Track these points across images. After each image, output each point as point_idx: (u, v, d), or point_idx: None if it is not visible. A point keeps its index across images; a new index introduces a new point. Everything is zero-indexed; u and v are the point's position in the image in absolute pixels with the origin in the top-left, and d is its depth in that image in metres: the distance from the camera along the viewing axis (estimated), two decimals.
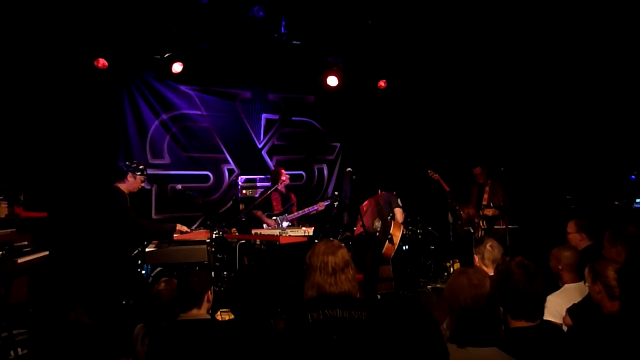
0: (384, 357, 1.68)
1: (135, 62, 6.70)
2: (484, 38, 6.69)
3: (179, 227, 5.11)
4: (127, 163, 5.08)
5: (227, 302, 3.84)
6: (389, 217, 5.86)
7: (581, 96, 6.64)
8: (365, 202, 5.96)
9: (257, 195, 6.83)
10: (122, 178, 4.98)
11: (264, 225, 6.13)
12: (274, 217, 6.20)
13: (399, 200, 6.04)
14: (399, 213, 5.98)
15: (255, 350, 2.28)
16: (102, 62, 5.87)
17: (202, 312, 2.66)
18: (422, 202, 7.84)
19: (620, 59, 6.11)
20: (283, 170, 6.50)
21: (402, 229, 6.02)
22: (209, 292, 2.71)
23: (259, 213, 6.24)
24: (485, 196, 6.07)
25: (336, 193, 6.48)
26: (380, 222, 5.81)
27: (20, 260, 4.01)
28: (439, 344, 1.61)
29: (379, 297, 6.27)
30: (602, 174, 6.32)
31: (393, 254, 5.94)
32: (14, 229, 4.33)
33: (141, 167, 5.04)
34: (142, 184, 5.14)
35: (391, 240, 5.73)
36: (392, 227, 5.80)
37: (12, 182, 4.96)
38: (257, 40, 6.60)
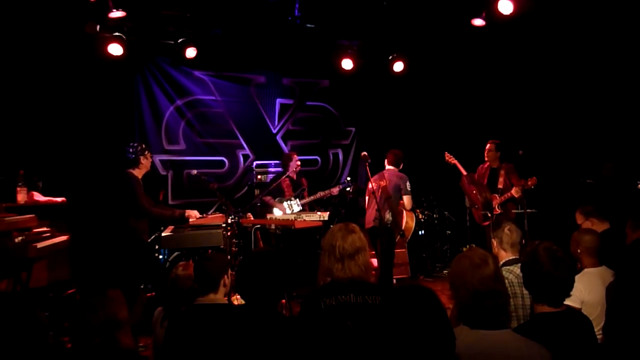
0: (395, 342, 1.67)
1: (149, 48, 6.70)
2: (501, 18, 6.54)
3: (188, 213, 5.04)
4: (130, 150, 4.84)
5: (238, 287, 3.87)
6: (399, 207, 5.67)
7: (601, 76, 6.49)
8: (374, 185, 5.61)
9: (268, 181, 6.84)
10: (135, 164, 4.83)
11: (275, 211, 6.13)
12: (285, 202, 6.20)
13: (407, 183, 5.67)
14: (407, 200, 5.68)
15: (269, 336, 2.28)
16: (116, 49, 5.86)
17: (218, 297, 2.67)
18: (438, 187, 7.78)
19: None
20: (295, 156, 6.46)
21: (412, 216, 5.98)
22: (226, 276, 2.72)
23: (269, 199, 6.23)
24: (501, 179, 5.93)
25: (349, 179, 6.45)
26: (390, 214, 5.58)
27: (39, 245, 4.06)
28: (446, 329, 1.59)
29: (394, 281, 6.28)
30: (623, 157, 6.19)
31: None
32: (34, 215, 4.38)
33: (143, 145, 4.96)
34: (151, 159, 5.10)
35: (403, 235, 5.74)
36: (403, 221, 5.74)
37: (31, 169, 5.03)
38: (271, 24, 6.54)
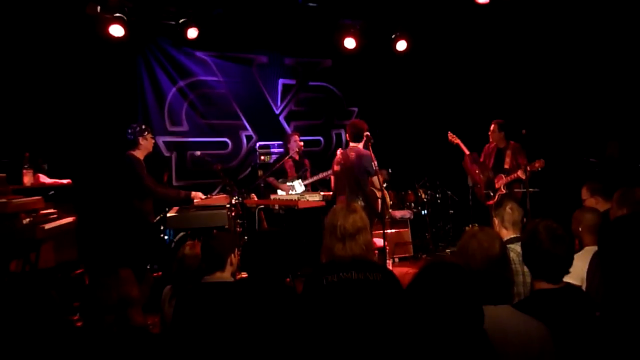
0: (400, 318, 1.73)
1: (150, 29, 6.66)
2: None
3: (193, 194, 5.10)
4: (129, 131, 4.83)
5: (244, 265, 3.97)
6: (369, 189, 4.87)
7: (605, 53, 6.44)
8: (336, 167, 5.12)
9: (271, 162, 6.87)
10: (135, 145, 4.82)
11: (278, 191, 6.17)
12: (288, 183, 6.24)
13: (372, 163, 4.87)
14: (376, 181, 4.93)
15: (273, 313, 2.34)
16: (117, 30, 5.84)
17: (225, 275, 2.72)
18: (441, 166, 7.78)
19: None
20: (297, 136, 6.47)
21: (385, 193, 5.11)
22: (232, 255, 2.76)
23: (272, 179, 6.26)
24: (507, 160, 5.91)
25: None
26: (362, 199, 4.89)
27: (47, 227, 4.11)
28: (475, 304, 1.65)
29: (391, 261, 6.35)
30: (628, 135, 6.18)
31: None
32: (40, 197, 4.42)
33: (143, 126, 4.92)
34: (153, 140, 5.08)
35: (383, 216, 5.04)
36: (379, 205, 4.98)
37: (36, 151, 5.06)
38: (273, 3, 6.48)
